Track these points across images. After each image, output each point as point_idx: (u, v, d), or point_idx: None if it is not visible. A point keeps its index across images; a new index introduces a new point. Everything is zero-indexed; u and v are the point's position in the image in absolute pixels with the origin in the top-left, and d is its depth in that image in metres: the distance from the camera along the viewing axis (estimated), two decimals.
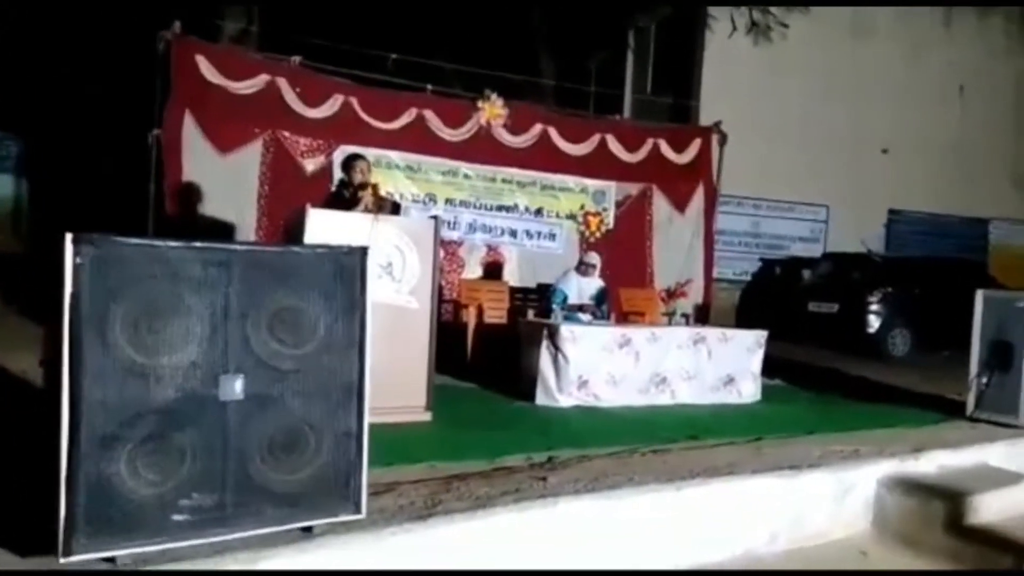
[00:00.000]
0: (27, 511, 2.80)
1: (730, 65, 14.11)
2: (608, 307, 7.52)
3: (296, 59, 8.26)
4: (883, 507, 4.44)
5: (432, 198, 8.97)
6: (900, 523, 4.36)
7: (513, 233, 9.44)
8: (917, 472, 4.70)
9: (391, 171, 8.66)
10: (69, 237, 2.46)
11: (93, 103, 12.46)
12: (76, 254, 2.47)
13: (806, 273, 12.82)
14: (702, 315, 9.40)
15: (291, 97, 8.08)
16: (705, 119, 12.50)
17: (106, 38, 12.58)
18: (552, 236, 9.61)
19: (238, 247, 3.02)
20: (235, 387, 2.73)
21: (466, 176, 9.19)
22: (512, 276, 9.20)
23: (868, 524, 4.42)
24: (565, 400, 6.19)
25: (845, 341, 10.87)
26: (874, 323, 11.01)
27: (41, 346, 3.43)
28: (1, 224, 12.47)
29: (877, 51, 15.17)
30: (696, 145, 10.20)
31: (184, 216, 7.31)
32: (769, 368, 7.24)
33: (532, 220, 9.52)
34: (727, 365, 6.83)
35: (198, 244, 2.72)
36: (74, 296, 2.47)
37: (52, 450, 2.51)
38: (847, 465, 4.57)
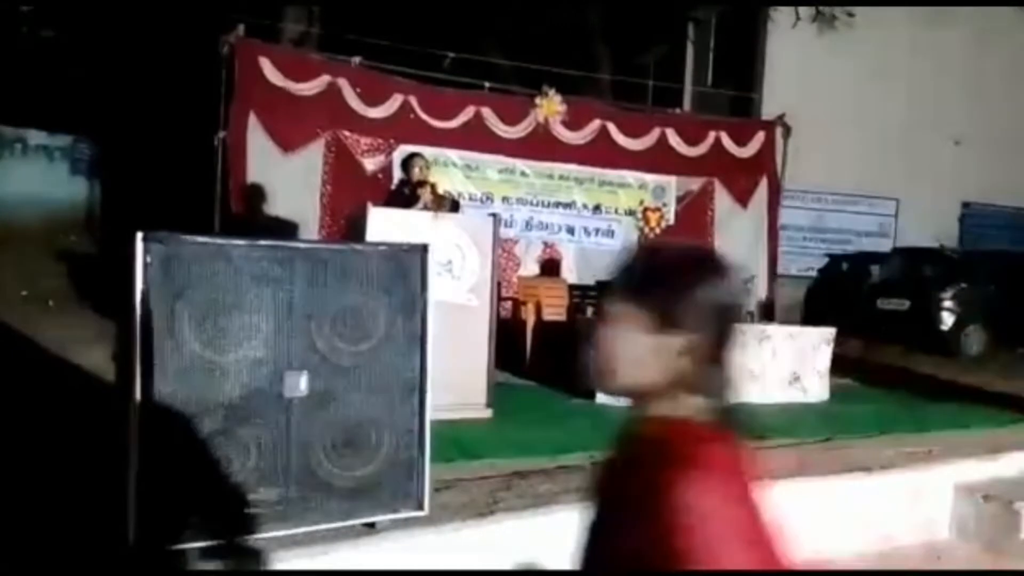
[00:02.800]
0: (101, 503, 2.87)
1: (793, 56, 13.76)
2: None
3: (356, 60, 8.34)
4: (960, 510, 4.27)
5: (489, 196, 8.97)
6: (978, 526, 4.19)
7: (571, 230, 9.38)
8: (995, 474, 4.51)
9: (448, 170, 8.68)
10: (139, 236, 2.52)
11: (162, 106, 12.82)
12: (146, 252, 2.53)
13: (875, 269, 12.43)
14: (766, 312, 9.20)
15: (352, 97, 8.17)
16: (768, 111, 12.22)
17: (173, 43, 12.93)
18: (610, 232, 9.52)
19: (301, 245, 3.06)
20: (299, 383, 2.76)
21: (523, 174, 9.15)
22: (569, 273, 9.14)
23: (945, 527, 4.26)
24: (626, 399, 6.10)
25: (917, 339, 10.50)
26: (947, 320, 10.61)
27: (114, 342, 3.53)
28: (75, 224, 12.91)
29: (947, 38, 14.60)
30: (759, 138, 9.98)
31: (249, 215, 7.45)
32: (837, 366, 7.04)
33: (590, 217, 9.44)
34: (793, 363, 6.66)
35: (263, 242, 2.76)
36: (144, 293, 2.53)
37: (123, 443, 2.57)
38: (921, 466, 4.42)
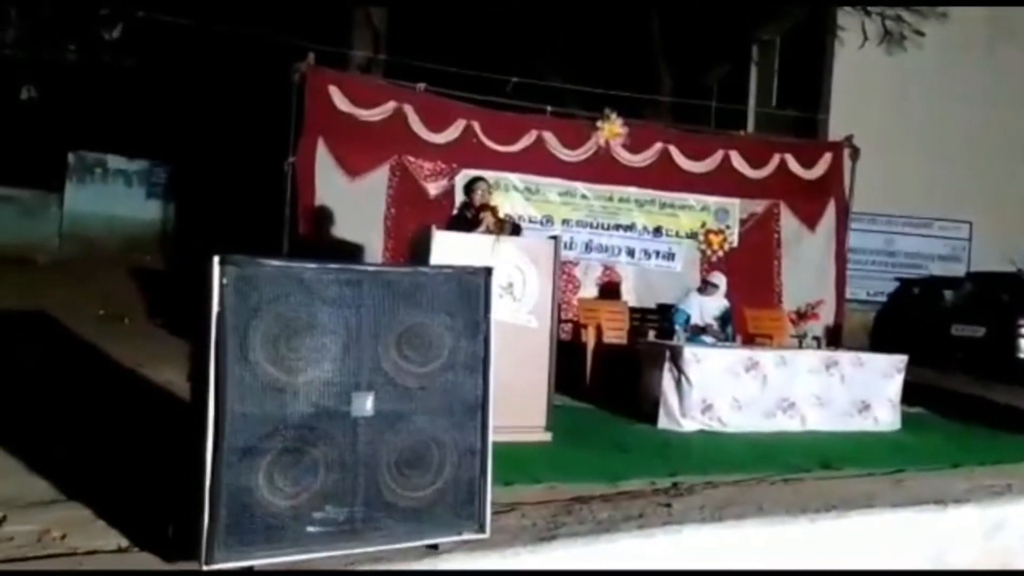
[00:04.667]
0: (173, 519, 2.96)
1: (861, 76, 13.50)
2: (733, 329, 7.30)
3: (421, 86, 8.50)
4: None
5: (549, 219, 8.99)
6: None
7: (631, 252, 9.32)
8: None
9: (509, 193, 8.74)
10: (216, 259, 2.60)
11: (235, 133, 13.26)
12: (222, 275, 2.60)
13: (948, 294, 12.03)
14: (834, 337, 8.97)
15: (416, 123, 8.32)
16: (835, 132, 12.01)
17: (246, 71, 13.38)
18: (671, 255, 9.43)
19: (369, 268, 3.12)
20: (366, 404, 2.80)
21: (583, 196, 9.16)
22: (628, 295, 9.08)
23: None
24: (688, 424, 6.04)
25: (992, 367, 10.11)
26: None
27: (188, 361, 3.64)
28: (150, 245, 13.41)
29: (1018, 56, 14.15)
30: (826, 160, 9.79)
31: (316, 238, 7.63)
32: (909, 395, 6.83)
33: (650, 239, 9.37)
34: (862, 391, 6.49)
35: (333, 265, 2.82)
36: (220, 315, 2.61)
37: (196, 461, 2.65)
38: (998, 501, 4.24)
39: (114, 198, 13.65)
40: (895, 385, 6.61)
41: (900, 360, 6.69)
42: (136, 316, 9.13)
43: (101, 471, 3.84)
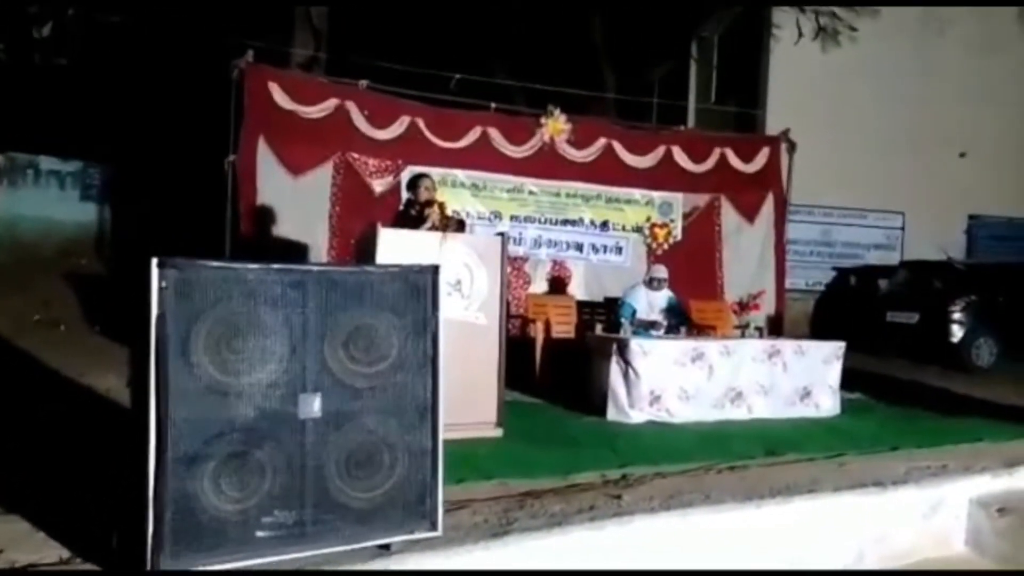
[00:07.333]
0: (116, 528, 2.89)
1: (797, 71, 13.82)
2: (687, 317, 7.43)
3: (363, 83, 8.44)
4: (977, 525, 4.24)
5: (497, 215, 9.02)
6: (996, 542, 4.15)
7: (579, 247, 9.41)
8: (1012, 488, 4.48)
9: (457, 189, 8.74)
10: (154, 261, 2.54)
11: (173, 131, 12.95)
12: (161, 278, 2.54)
13: (883, 282, 12.41)
14: (775, 326, 9.19)
15: (359, 120, 8.26)
16: (772, 127, 12.27)
17: (184, 68, 13.08)
18: (618, 249, 9.55)
19: (313, 268, 3.08)
20: (313, 405, 2.77)
21: (531, 192, 9.21)
22: (578, 290, 9.17)
23: (961, 543, 4.23)
24: (637, 416, 6.11)
25: (927, 352, 10.47)
26: (957, 333, 10.58)
27: (128, 367, 3.56)
28: (87, 248, 13.01)
29: (950, 51, 14.65)
30: (764, 154, 10.02)
31: (259, 237, 7.52)
32: (847, 381, 7.02)
33: (598, 234, 9.47)
34: (804, 378, 6.65)
35: (275, 266, 2.78)
36: (159, 318, 2.55)
37: (139, 468, 2.59)
38: (935, 481, 4.38)
39: (48, 200, 13.19)
40: (835, 372, 6.78)
41: (839, 347, 6.87)
42: (74, 322, 8.86)
43: (41, 483, 3.73)
